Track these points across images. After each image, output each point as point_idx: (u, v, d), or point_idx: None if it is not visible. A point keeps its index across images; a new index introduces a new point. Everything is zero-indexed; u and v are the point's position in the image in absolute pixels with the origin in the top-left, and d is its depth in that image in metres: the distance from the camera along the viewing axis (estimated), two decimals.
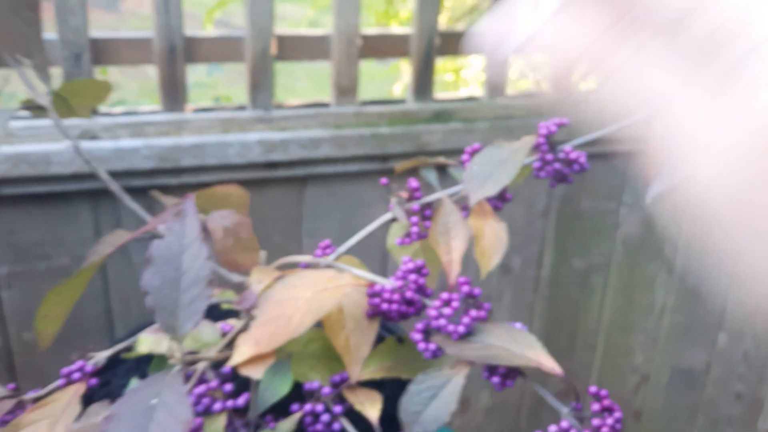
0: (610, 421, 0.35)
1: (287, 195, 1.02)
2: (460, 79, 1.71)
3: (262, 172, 0.97)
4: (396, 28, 1.51)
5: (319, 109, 0.99)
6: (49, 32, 0.86)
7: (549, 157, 0.44)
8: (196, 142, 0.92)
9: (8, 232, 0.93)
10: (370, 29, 1.01)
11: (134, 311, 0.98)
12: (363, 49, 0.99)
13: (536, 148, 0.44)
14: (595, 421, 0.35)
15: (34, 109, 0.49)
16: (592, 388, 0.37)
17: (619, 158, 1.19)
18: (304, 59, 0.98)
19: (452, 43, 1.04)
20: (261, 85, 0.95)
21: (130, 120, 0.91)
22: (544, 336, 1.28)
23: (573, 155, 0.43)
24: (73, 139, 0.53)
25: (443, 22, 1.84)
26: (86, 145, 0.88)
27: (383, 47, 1.01)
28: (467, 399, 1.30)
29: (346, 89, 0.99)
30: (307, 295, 0.39)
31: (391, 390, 0.40)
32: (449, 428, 0.86)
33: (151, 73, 0.92)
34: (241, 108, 0.96)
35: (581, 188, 1.19)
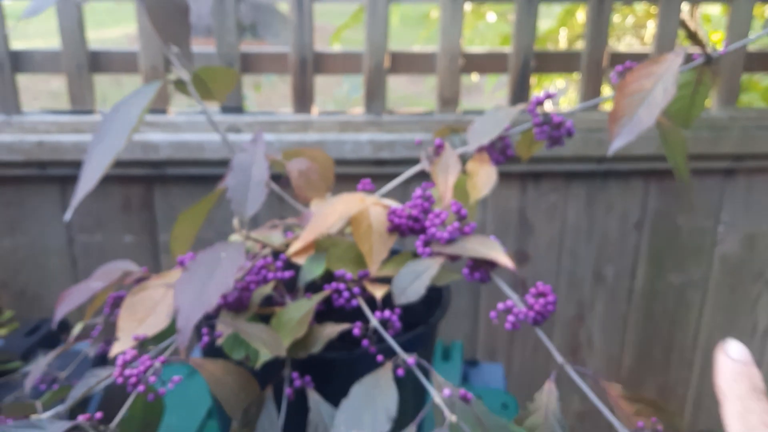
0: (542, 301, 0.46)
1: (395, 190, 1.18)
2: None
3: (372, 168, 1.14)
4: (495, 48, 1.64)
5: (424, 116, 1.14)
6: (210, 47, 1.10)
7: (537, 120, 0.56)
8: (318, 139, 1.10)
9: (170, 207, 1.16)
10: (472, 48, 1.15)
11: None
12: (465, 65, 1.13)
13: (529, 113, 0.56)
14: (530, 300, 0.47)
15: (179, 84, 0.68)
16: (539, 284, 0.48)
17: (716, 176, 1.23)
18: (414, 73, 1.14)
19: (547, 63, 1.16)
20: (375, 93, 1.12)
21: (267, 119, 1.12)
22: (639, 348, 1.33)
23: (557, 119, 0.55)
24: (221, 131, 0.71)
25: (559, 46, 1.94)
26: (232, 137, 1.10)
27: (483, 64, 1.15)
28: None
29: (448, 100, 1.14)
30: (341, 209, 0.54)
31: None
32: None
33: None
34: (357, 113, 1.14)
35: (677, 204, 1.24)
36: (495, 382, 0.96)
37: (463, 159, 0.58)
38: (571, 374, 0.47)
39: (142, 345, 0.52)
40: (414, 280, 0.48)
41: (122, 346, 0.53)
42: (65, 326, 0.94)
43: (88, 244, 1.18)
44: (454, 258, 0.50)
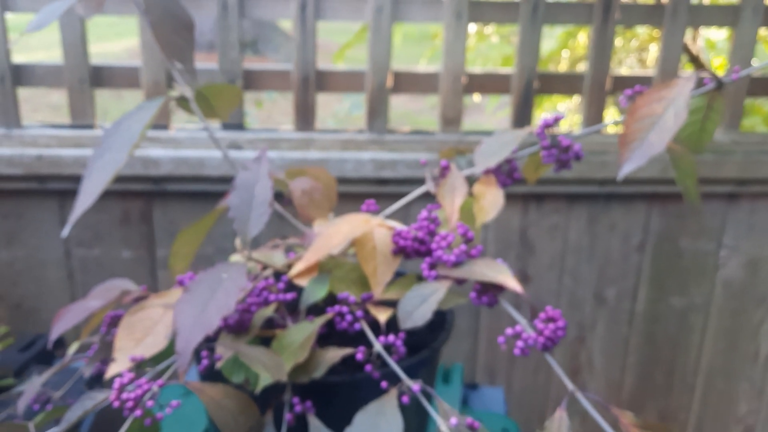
0: (551, 326, 0.45)
1: (396, 210, 1.17)
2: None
3: (374, 187, 1.13)
4: (499, 68, 1.64)
5: (426, 136, 1.14)
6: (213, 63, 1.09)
7: (545, 143, 0.55)
8: (320, 157, 1.10)
9: (169, 222, 1.15)
10: (475, 68, 1.15)
11: None
12: (468, 85, 1.13)
13: (537, 136, 0.56)
14: (539, 325, 0.46)
15: (182, 101, 0.67)
16: (548, 308, 0.47)
17: (719, 200, 1.22)
18: (416, 92, 1.14)
19: (550, 84, 1.15)
20: (377, 112, 1.12)
21: (269, 136, 1.11)
22: (640, 371, 1.31)
23: (565, 142, 0.54)
24: (223, 148, 0.70)
25: (562, 68, 1.95)
26: (233, 153, 1.09)
27: (487, 84, 1.14)
28: None
29: (451, 119, 1.13)
30: (345, 230, 0.53)
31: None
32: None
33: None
34: (359, 131, 1.13)
35: (679, 227, 1.23)
36: (495, 406, 0.95)
37: (470, 181, 0.57)
38: (582, 402, 0.45)
39: (140, 366, 0.51)
40: (421, 304, 0.48)
41: (119, 366, 0.51)
42: (60, 343, 0.93)
43: (85, 258, 1.16)
44: (460, 281, 0.49)
